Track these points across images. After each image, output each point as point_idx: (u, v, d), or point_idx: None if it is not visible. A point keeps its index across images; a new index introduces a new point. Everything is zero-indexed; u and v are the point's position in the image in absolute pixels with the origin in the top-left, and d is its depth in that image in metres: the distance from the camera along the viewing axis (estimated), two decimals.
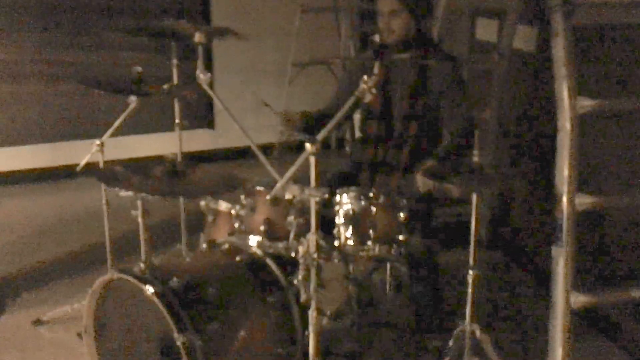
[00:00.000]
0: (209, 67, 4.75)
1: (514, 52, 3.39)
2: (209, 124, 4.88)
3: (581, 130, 2.27)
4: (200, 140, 4.77)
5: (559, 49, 2.28)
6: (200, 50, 2.27)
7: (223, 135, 4.86)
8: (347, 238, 2.23)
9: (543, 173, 2.92)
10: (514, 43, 3.38)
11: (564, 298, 2.18)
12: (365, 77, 1.99)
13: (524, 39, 3.37)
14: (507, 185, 3.33)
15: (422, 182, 2.45)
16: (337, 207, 2.24)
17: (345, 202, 2.24)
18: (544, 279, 2.33)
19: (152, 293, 2.00)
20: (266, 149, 4.59)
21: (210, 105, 4.78)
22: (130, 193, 2.13)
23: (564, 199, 2.22)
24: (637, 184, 2.75)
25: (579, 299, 2.20)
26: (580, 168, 2.27)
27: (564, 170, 2.24)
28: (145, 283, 2.02)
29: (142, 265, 2.13)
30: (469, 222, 2.27)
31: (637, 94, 2.68)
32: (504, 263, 3.47)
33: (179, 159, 2.90)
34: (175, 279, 2.06)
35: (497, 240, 3.60)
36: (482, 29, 3.71)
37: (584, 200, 2.22)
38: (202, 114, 4.80)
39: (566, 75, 2.27)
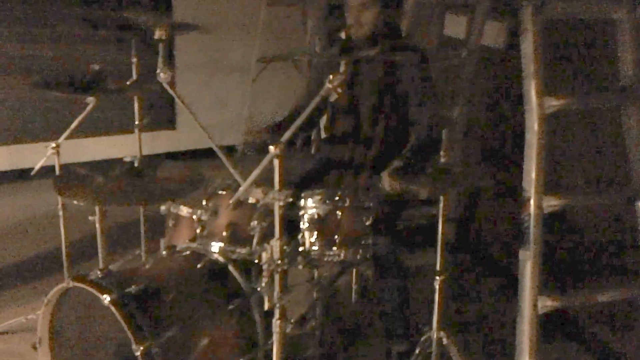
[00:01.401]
0: (170, 62, 4.71)
1: (482, 49, 3.43)
2: (171, 124, 4.84)
3: (550, 129, 2.32)
4: (161, 141, 4.72)
5: (528, 46, 2.31)
6: (161, 47, 2.24)
7: (185, 136, 4.83)
8: (312, 243, 2.24)
9: (512, 173, 2.97)
10: (482, 39, 3.43)
11: (531, 302, 2.22)
12: (330, 76, 2.00)
13: (492, 35, 3.41)
14: (475, 186, 3.37)
15: (388, 183, 2.48)
16: (301, 211, 2.25)
17: (310, 205, 2.24)
18: (513, 282, 2.37)
19: (109, 301, 1.99)
20: (230, 149, 4.57)
21: (172, 105, 4.74)
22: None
23: (531, 201, 2.26)
24: (606, 182, 2.82)
25: (547, 303, 2.25)
26: (550, 168, 2.32)
27: (531, 172, 2.28)
28: (101, 291, 2.01)
29: (98, 272, 2.11)
30: (436, 224, 2.30)
31: (603, 90, 2.73)
32: (472, 266, 3.52)
33: (139, 161, 2.87)
34: (133, 286, 2.06)
35: (464, 243, 3.65)
36: (451, 24, 3.75)
37: (551, 202, 2.27)
38: (163, 114, 4.75)
39: (534, 73, 2.30)
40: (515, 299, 2.29)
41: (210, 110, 4.78)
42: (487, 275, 3.42)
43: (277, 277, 2.03)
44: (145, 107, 2.96)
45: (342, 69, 2.03)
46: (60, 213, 2.71)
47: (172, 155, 4.75)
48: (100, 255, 2.40)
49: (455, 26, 3.69)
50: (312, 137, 4.19)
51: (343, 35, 2.59)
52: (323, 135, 3.02)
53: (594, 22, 2.76)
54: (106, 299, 1.99)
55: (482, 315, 3.06)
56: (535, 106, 2.30)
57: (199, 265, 2.26)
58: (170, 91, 2.21)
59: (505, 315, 2.86)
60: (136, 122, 2.94)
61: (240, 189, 2.05)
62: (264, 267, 2.05)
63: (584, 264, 2.96)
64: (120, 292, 2.02)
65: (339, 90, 2.01)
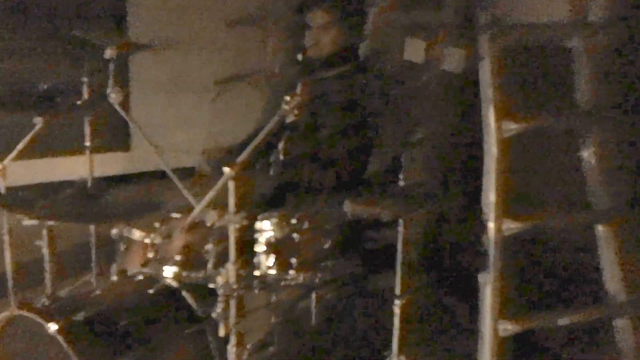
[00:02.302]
0: (124, 81, 4.64)
1: (443, 73, 3.48)
2: (125, 145, 4.77)
3: (512, 152, 2.37)
4: (114, 163, 4.64)
5: (486, 71, 2.37)
6: (111, 66, 2.22)
7: (140, 158, 4.74)
8: (268, 267, 2.22)
9: (474, 196, 3.00)
10: (442, 64, 3.48)
11: (492, 327, 2.24)
12: (287, 97, 2.01)
13: (452, 60, 3.48)
14: (438, 208, 3.40)
15: (350, 207, 2.48)
16: (258, 234, 2.23)
17: (267, 228, 2.23)
18: (476, 305, 2.39)
19: (56, 330, 1.94)
20: (189, 171, 4.52)
21: (126, 126, 4.66)
22: (34, 222, 2.07)
23: (491, 225, 2.30)
24: (566, 206, 2.87)
25: (507, 327, 2.26)
26: (511, 191, 2.36)
27: (490, 195, 2.32)
28: (48, 319, 1.96)
29: (45, 299, 2.06)
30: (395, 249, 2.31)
31: (561, 115, 2.79)
32: (437, 288, 3.53)
33: (89, 184, 2.83)
34: (82, 313, 2.01)
35: (428, 265, 3.66)
36: (410, 49, 3.80)
37: (511, 225, 2.30)
38: (117, 134, 4.67)
39: (492, 98, 2.36)
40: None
41: (168, 131, 4.72)
42: (453, 298, 3.43)
43: (232, 303, 2.00)
44: (98, 128, 2.91)
45: (299, 90, 2.04)
46: (6, 237, 2.63)
47: (126, 178, 4.67)
48: (47, 280, 2.33)
49: (414, 51, 3.75)
50: (272, 160, 4.20)
51: (300, 56, 2.61)
52: (282, 157, 3.02)
53: (553, 48, 2.83)
54: (53, 327, 1.94)
55: (447, 339, 3.06)
56: (494, 130, 2.35)
57: (151, 290, 2.22)
58: (121, 112, 2.19)
59: (471, 339, 2.87)
60: (87, 144, 2.88)
61: (194, 211, 2.02)
62: (219, 292, 2.02)
63: (547, 287, 3.00)
64: (68, 319, 1.97)
65: (296, 112, 2.02)
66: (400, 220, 2.29)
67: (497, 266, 2.27)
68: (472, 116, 3.38)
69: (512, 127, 2.37)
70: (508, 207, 2.35)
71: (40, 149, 4.02)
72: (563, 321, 2.43)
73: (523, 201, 2.97)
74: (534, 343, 2.83)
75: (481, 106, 2.43)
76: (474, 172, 3.32)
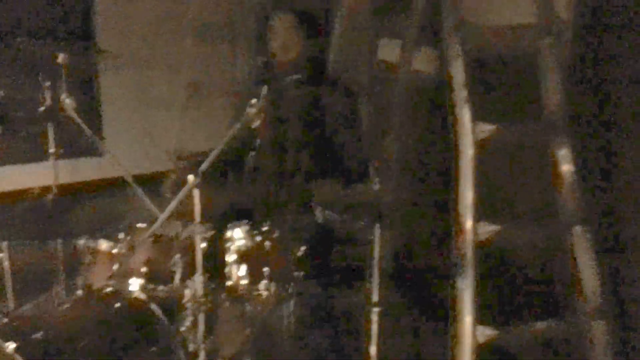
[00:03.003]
0: (95, 90, 4.52)
1: (414, 75, 3.40)
2: (96, 150, 4.62)
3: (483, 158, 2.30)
4: (84, 169, 4.50)
5: (459, 72, 2.31)
6: (63, 72, 2.11)
7: (112, 164, 4.61)
8: (239, 277, 2.12)
9: (447, 203, 2.93)
10: (414, 64, 3.41)
11: (471, 332, 2.16)
12: (252, 100, 1.92)
13: (424, 61, 3.41)
14: (410, 217, 3.34)
15: (321, 214, 2.41)
16: (228, 244, 2.12)
17: (237, 237, 2.13)
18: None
19: (13, 349, 1.81)
20: (159, 177, 4.40)
21: (99, 130, 4.53)
22: None
23: (467, 227, 2.22)
24: (537, 214, 2.81)
25: (486, 332, 2.18)
26: (485, 198, 2.29)
27: (466, 197, 2.24)
28: (5, 338, 1.83)
29: (3, 317, 1.93)
30: (369, 259, 2.23)
31: (529, 121, 2.74)
32: (407, 299, 3.44)
33: (54, 192, 2.69)
34: (42, 331, 1.89)
35: (400, 276, 3.57)
36: (384, 49, 3.73)
37: (487, 229, 2.23)
38: (88, 140, 4.52)
39: (466, 97, 2.29)
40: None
41: (138, 138, 4.60)
42: (424, 308, 3.36)
43: (200, 317, 1.89)
44: (68, 133, 2.78)
45: (263, 93, 1.95)
46: None
47: (97, 184, 4.54)
48: (9, 296, 2.20)
49: (388, 51, 3.67)
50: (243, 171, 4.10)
51: (263, 59, 2.53)
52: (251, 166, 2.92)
53: (520, 52, 2.77)
54: (10, 346, 1.81)
55: (420, 351, 2.98)
56: (469, 131, 2.28)
57: (116, 305, 2.10)
58: (76, 118, 2.07)
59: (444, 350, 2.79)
60: (51, 150, 2.75)
61: (157, 222, 1.92)
62: (187, 306, 1.92)
63: (518, 297, 2.94)
64: (27, 338, 1.85)
65: (261, 116, 1.93)
66: (376, 227, 2.21)
67: (474, 270, 2.19)
68: (442, 118, 3.32)
69: (486, 128, 2.30)
70: (483, 210, 2.28)
71: (2, 157, 3.92)
72: (541, 326, 2.37)
73: (493, 208, 2.91)
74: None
75: (452, 106, 2.36)
76: (444, 176, 3.27)
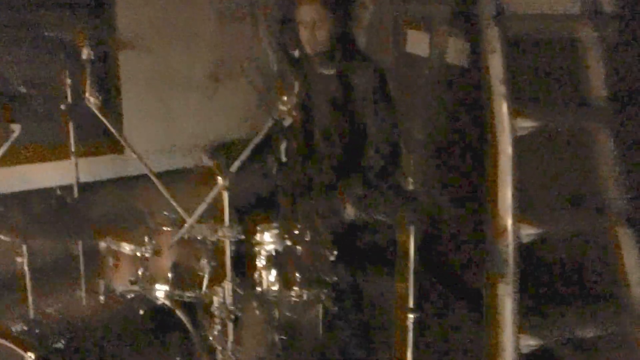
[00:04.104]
0: (115, 79, 4.43)
1: (446, 66, 3.28)
2: (118, 148, 4.54)
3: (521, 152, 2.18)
4: (108, 167, 4.42)
5: (497, 66, 2.19)
6: (88, 67, 2.01)
7: (135, 161, 4.52)
8: (270, 283, 2.01)
9: (476, 196, 2.81)
10: (446, 57, 3.28)
11: (513, 342, 2.03)
12: (284, 97, 1.80)
13: (456, 52, 3.28)
14: (438, 209, 3.22)
15: (352, 212, 2.30)
16: (257, 247, 2.02)
17: (267, 241, 2.02)
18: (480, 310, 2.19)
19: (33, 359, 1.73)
20: (182, 173, 4.31)
21: (120, 127, 4.43)
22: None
23: (508, 230, 2.09)
24: (580, 207, 2.68)
25: (529, 342, 2.06)
26: (522, 194, 2.17)
27: (507, 199, 2.12)
28: (25, 347, 1.75)
29: (23, 323, 1.85)
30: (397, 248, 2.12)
31: (572, 111, 2.61)
32: (439, 293, 3.34)
33: (75, 190, 2.61)
34: (62, 340, 1.80)
35: (430, 268, 3.46)
36: (413, 41, 3.60)
37: (529, 231, 2.11)
38: (109, 137, 4.43)
39: (505, 93, 2.17)
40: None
41: (161, 131, 4.52)
42: (458, 302, 3.24)
43: (230, 325, 1.79)
44: (89, 130, 2.69)
45: (295, 90, 1.83)
46: None
47: (120, 182, 4.45)
48: (30, 301, 2.11)
49: (417, 43, 3.54)
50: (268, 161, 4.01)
51: (296, 52, 2.42)
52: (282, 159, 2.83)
53: (562, 41, 2.64)
54: (30, 357, 1.73)
55: (454, 348, 2.87)
56: (508, 128, 2.16)
57: (141, 311, 2.01)
58: (101, 116, 1.97)
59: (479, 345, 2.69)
60: (72, 149, 2.66)
61: (185, 226, 1.81)
62: (215, 313, 1.82)
63: (562, 296, 2.81)
64: (47, 348, 1.77)
65: (293, 113, 1.82)
66: (409, 227, 2.09)
67: (517, 276, 2.06)
68: (475, 112, 3.20)
69: (526, 124, 2.18)
70: (524, 210, 2.15)
71: (23, 154, 3.84)
72: (585, 333, 2.23)
73: (533, 204, 2.79)
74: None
75: (486, 102, 2.24)
76: (478, 171, 3.15)
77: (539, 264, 2.76)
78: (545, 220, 2.25)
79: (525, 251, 2.18)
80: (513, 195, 2.12)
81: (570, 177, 2.74)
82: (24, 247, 2.13)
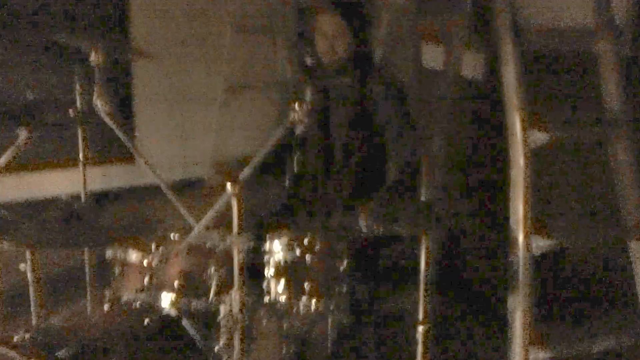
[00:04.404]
0: (128, 91, 4.45)
1: (461, 80, 3.28)
2: (128, 157, 4.54)
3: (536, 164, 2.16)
4: (118, 175, 4.42)
5: (510, 78, 2.19)
6: (97, 73, 2.01)
7: (145, 170, 4.53)
8: (279, 292, 1.99)
9: (496, 209, 2.78)
10: (461, 70, 3.27)
11: (524, 355, 2.00)
12: (295, 104, 1.79)
13: (471, 66, 3.28)
14: (457, 223, 3.19)
15: (367, 225, 2.29)
16: (267, 256, 2.00)
17: (276, 250, 2.00)
18: (500, 326, 2.17)
19: None
20: (194, 184, 4.31)
21: (130, 136, 4.44)
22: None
23: (520, 242, 2.08)
24: (595, 220, 2.65)
25: (539, 356, 2.03)
26: (536, 206, 2.15)
27: (518, 210, 2.10)
28: (27, 356, 1.73)
29: (26, 332, 1.83)
30: (417, 264, 2.10)
31: (589, 124, 2.60)
32: (458, 308, 3.30)
33: (84, 199, 2.60)
34: (65, 348, 1.78)
35: (449, 283, 3.43)
36: (428, 55, 3.60)
37: (541, 243, 2.08)
38: (119, 145, 4.44)
39: (518, 105, 2.16)
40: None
41: (173, 142, 4.52)
42: (476, 318, 3.20)
43: (237, 335, 1.77)
44: (100, 138, 2.69)
45: (307, 96, 1.83)
46: None
47: (130, 191, 4.45)
48: (33, 309, 2.10)
49: (433, 57, 3.54)
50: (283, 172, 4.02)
51: (309, 60, 2.43)
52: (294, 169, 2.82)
53: (577, 54, 2.63)
54: None
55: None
56: (521, 140, 2.16)
57: (147, 320, 1.99)
58: (109, 122, 1.97)
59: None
60: (80, 156, 2.66)
61: (192, 233, 1.80)
62: (222, 323, 1.80)
63: (575, 309, 2.77)
64: (50, 356, 1.74)
65: (305, 120, 1.81)
66: (424, 238, 2.07)
67: (527, 287, 2.03)
68: (491, 125, 3.18)
69: (540, 136, 2.17)
70: (537, 222, 2.13)
71: (31, 162, 3.85)
72: (598, 347, 2.20)
73: (548, 216, 2.76)
74: None
75: (503, 115, 2.23)
76: (494, 185, 3.12)
77: (552, 276, 2.74)
78: (558, 233, 2.23)
79: (537, 263, 2.17)
80: (525, 206, 2.11)
81: (586, 189, 2.72)
82: (30, 255, 2.13)
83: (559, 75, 2.78)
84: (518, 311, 2.06)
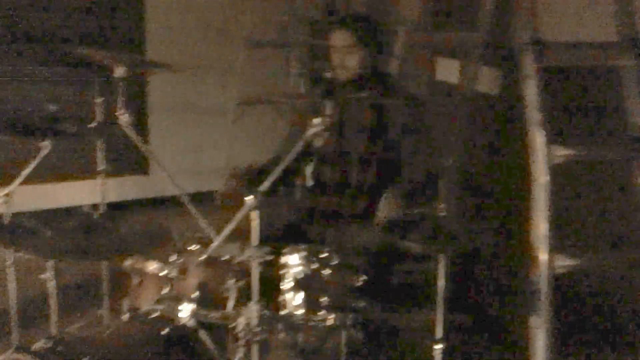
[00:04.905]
0: (142, 104, 4.50)
1: (476, 95, 3.29)
2: (143, 169, 4.58)
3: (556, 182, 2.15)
4: (132, 187, 4.46)
5: (532, 93, 2.18)
6: (120, 86, 2.04)
7: (158, 182, 4.57)
8: (295, 306, 1.99)
9: (511, 226, 2.77)
10: (476, 85, 3.28)
11: None
12: (315, 118, 1.81)
13: (487, 81, 3.28)
14: (472, 241, 3.18)
15: (387, 208, 2.30)
16: (284, 270, 2.01)
17: (293, 264, 2.01)
18: (514, 347, 2.15)
19: None
20: (207, 196, 4.33)
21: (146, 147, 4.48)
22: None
23: (541, 260, 2.06)
24: (614, 240, 2.64)
25: None
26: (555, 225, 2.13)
27: (540, 228, 2.09)
28: None
29: (45, 342, 1.85)
30: (430, 281, 2.09)
31: (611, 140, 2.59)
32: (471, 329, 3.27)
33: (102, 210, 2.63)
34: (85, 358, 1.79)
35: (461, 303, 3.41)
36: (443, 69, 3.61)
37: (563, 262, 2.07)
38: (135, 158, 4.48)
39: (540, 121, 2.15)
40: None
41: (186, 155, 4.56)
42: (489, 340, 3.17)
43: (254, 348, 1.77)
44: (114, 151, 2.73)
45: (327, 111, 1.84)
46: (10, 270, 2.42)
47: (143, 203, 4.48)
48: (52, 318, 2.12)
49: (447, 71, 3.56)
50: (296, 187, 4.02)
51: (329, 75, 2.45)
52: (309, 184, 2.84)
53: (599, 69, 2.63)
54: None
55: None
56: (543, 156, 2.13)
57: (164, 331, 2.00)
58: (131, 135, 2.00)
59: None
60: (99, 167, 2.69)
61: (212, 245, 1.81)
62: (240, 335, 1.81)
63: (593, 331, 2.75)
64: None
65: (325, 134, 1.83)
66: (440, 256, 2.07)
67: (550, 307, 2.02)
68: (507, 141, 3.18)
69: (562, 153, 2.15)
70: (559, 241, 2.12)
71: (51, 173, 3.89)
72: None
73: (569, 234, 2.74)
74: None
75: (522, 130, 2.22)
76: (510, 201, 3.12)
77: (573, 297, 2.72)
78: (581, 253, 2.21)
79: (558, 283, 2.15)
80: (547, 225, 2.10)
81: (609, 209, 2.71)
82: (49, 264, 2.15)
83: (581, 91, 2.78)
84: (540, 331, 2.04)
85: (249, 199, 1.73)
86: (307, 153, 2.61)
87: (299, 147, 1.86)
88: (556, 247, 2.09)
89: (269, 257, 1.81)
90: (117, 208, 2.86)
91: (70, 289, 2.28)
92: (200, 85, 4.67)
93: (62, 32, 4.07)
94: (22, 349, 1.83)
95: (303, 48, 4.58)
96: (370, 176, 2.55)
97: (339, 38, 2.51)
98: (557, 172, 2.16)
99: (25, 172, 2.33)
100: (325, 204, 2.59)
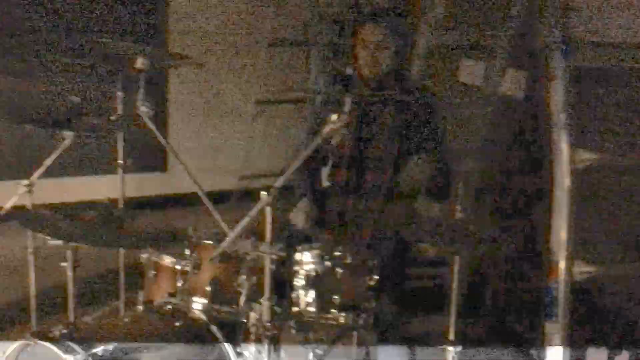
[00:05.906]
0: (163, 102, 4.56)
1: (500, 98, 3.27)
2: (161, 166, 4.64)
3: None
4: (150, 184, 4.52)
5: (557, 94, 2.17)
6: (142, 78, 2.08)
7: (177, 179, 4.62)
8: (307, 304, 2.02)
9: (531, 232, 2.77)
10: (502, 88, 3.27)
11: None
12: (334, 115, 1.83)
13: (512, 84, 3.27)
14: (489, 245, 3.18)
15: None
16: (297, 267, 2.04)
17: (306, 261, 2.03)
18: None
19: None
20: (224, 195, 4.38)
21: (162, 145, 4.53)
22: (59, 242, 1.96)
23: (561, 267, 2.07)
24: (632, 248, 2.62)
25: None
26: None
27: (560, 233, 2.09)
28: (65, 350, 1.80)
29: (63, 329, 1.90)
30: (444, 286, 2.10)
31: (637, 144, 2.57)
32: (485, 334, 3.27)
33: (121, 204, 2.68)
34: (101, 346, 1.85)
35: (477, 308, 3.41)
36: (466, 70, 3.61)
37: (583, 269, 2.07)
38: (154, 154, 4.53)
39: (565, 123, 2.15)
40: None
41: (205, 152, 4.62)
42: (504, 346, 3.17)
43: (265, 342, 1.81)
44: (133, 147, 2.78)
45: (346, 107, 1.86)
46: (31, 258, 2.49)
47: (162, 199, 4.55)
48: (70, 306, 2.18)
49: (471, 72, 3.55)
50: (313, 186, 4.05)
51: (351, 71, 2.45)
52: (325, 184, 2.85)
53: (627, 70, 2.61)
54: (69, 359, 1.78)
55: None
56: (566, 160, 2.14)
57: (177, 324, 2.04)
58: (151, 125, 2.04)
59: None
60: (119, 162, 2.74)
61: (226, 240, 1.85)
62: (252, 330, 1.84)
63: (611, 338, 2.73)
64: (86, 352, 1.81)
65: (343, 132, 1.85)
66: (455, 259, 2.08)
67: (567, 313, 2.03)
68: (529, 144, 3.17)
69: (586, 157, 2.15)
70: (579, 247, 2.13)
71: (73, 167, 3.97)
72: None
73: (589, 241, 2.73)
74: None
75: (545, 134, 2.23)
76: (531, 204, 3.10)
77: (590, 304, 2.71)
78: (601, 259, 2.21)
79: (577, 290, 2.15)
80: (568, 230, 2.10)
81: (631, 215, 2.69)
82: (69, 253, 2.21)
83: (607, 93, 2.76)
84: (556, 337, 2.05)
85: (264, 195, 1.77)
86: (324, 152, 2.61)
87: (316, 143, 1.88)
88: (577, 253, 2.10)
89: (282, 254, 1.84)
90: (135, 204, 2.91)
91: (88, 281, 2.33)
92: (220, 82, 4.72)
93: (86, 24, 4.15)
94: (42, 333, 1.88)
95: (325, 47, 4.60)
96: (387, 177, 2.52)
97: (370, 33, 2.46)
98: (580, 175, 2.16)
99: (47, 162, 2.39)
100: (341, 205, 2.57)
